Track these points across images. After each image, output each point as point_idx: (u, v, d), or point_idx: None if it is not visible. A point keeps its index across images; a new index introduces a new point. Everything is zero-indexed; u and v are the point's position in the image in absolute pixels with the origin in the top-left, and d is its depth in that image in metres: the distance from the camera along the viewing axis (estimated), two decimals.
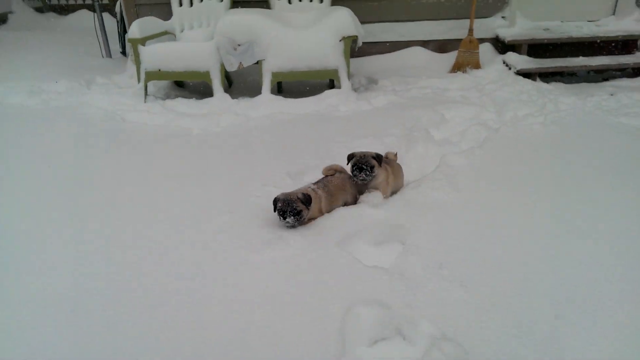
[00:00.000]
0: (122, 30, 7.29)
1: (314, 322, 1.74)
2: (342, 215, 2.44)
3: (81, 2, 11.15)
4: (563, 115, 4.11)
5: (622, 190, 2.72)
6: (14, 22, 9.64)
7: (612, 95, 4.75)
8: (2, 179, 3.04)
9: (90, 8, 10.82)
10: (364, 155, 2.56)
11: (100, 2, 7.09)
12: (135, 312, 1.83)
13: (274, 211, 2.30)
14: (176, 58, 4.63)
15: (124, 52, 7.45)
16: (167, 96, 5.09)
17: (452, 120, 3.97)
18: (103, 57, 7.17)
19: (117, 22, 7.37)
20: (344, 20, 4.58)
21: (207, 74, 4.65)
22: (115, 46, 7.48)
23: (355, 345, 1.65)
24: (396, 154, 2.95)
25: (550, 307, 1.79)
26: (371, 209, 2.48)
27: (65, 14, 10.78)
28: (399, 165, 2.91)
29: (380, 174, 2.62)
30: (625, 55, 5.45)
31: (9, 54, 7.03)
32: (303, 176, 2.91)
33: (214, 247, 2.22)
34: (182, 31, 5.32)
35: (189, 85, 5.62)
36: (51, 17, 10.61)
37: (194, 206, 2.62)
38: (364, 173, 2.55)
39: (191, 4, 5.30)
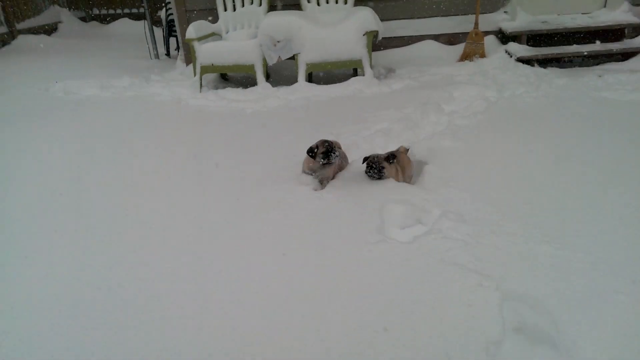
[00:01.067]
0: (167, 35, 8.28)
1: (359, 213, 2.58)
2: None
3: (120, 12, 12.24)
4: (554, 91, 4.89)
5: (597, 140, 3.49)
6: (64, 31, 10.73)
7: (600, 76, 5.48)
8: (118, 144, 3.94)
9: (129, 16, 11.94)
10: (377, 157, 2.97)
11: (148, 11, 8.02)
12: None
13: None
14: (226, 54, 5.54)
15: (168, 54, 8.44)
16: (217, 87, 5.99)
17: (460, 97, 4.77)
18: (151, 58, 8.15)
19: (163, 27, 8.37)
20: (366, 18, 5.43)
21: (252, 67, 5.56)
22: (160, 49, 8.45)
23: (390, 227, 2.49)
24: (408, 149, 3.29)
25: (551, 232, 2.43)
26: None
27: (107, 23, 11.87)
28: (408, 158, 3.19)
29: (390, 171, 2.99)
30: (614, 42, 6.17)
31: (69, 58, 8.04)
32: (340, 137, 3.74)
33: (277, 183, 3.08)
34: (227, 32, 6.24)
35: (232, 79, 6.54)
36: (94, 25, 11.72)
37: (263, 159, 3.49)
38: (374, 172, 2.94)
39: (234, 9, 6.22)
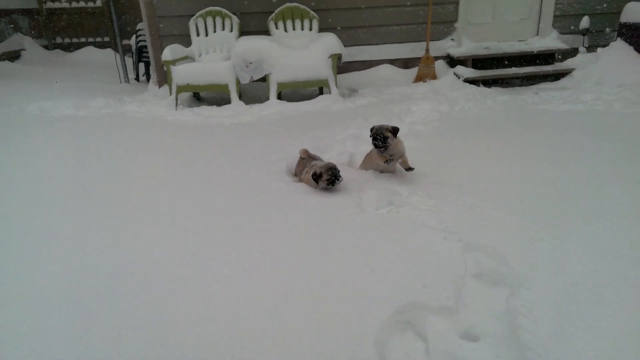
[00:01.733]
0: (137, 61, 8.56)
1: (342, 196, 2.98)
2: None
3: (84, 40, 12.39)
4: (498, 105, 5.58)
5: (536, 138, 4.10)
6: (27, 58, 10.75)
7: (536, 93, 6.27)
8: (90, 160, 4.17)
9: (94, 45, 12.11)
10: (380, 128, 3.15)
11: (119, 37, 8.30)
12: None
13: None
14: (202, 74, 5.91)
15: (137, 79, 8.70)
16: (191, 106, 6.31)
17: (417, 110, 5.34)
18: (121, 82, 8.37)
19: (133, 53, 8.65)
20: (331, 42, 5.99)
21: (226, 86, 5.95)
22: (130, 75, 8.70)
23: (368, 205, 2.90)
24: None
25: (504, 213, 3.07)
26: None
27: (71, 51, 11.95)
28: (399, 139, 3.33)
29: (398, 143, 3.18)
30: (547, 65, 7.05)
31: (36, 83, 8.12)
32: (316, 142, 4.16)
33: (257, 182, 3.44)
34: (200, 55, 6.63)
35: (205, 99, 6.88)
36: (58, 53, 11.78)
37: (237, 160, 3.84)
38: (379, 142, 3.12)
39: (206, 34, 6.64)
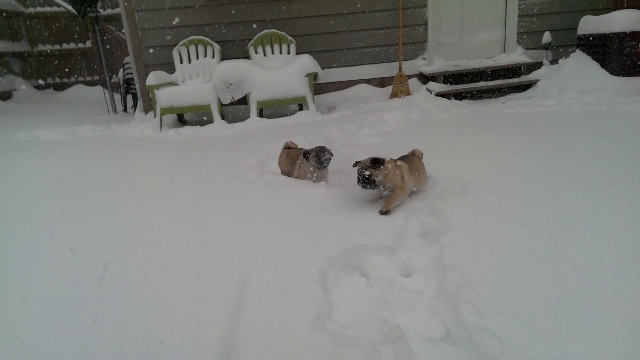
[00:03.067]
0: (125, 93, 8.91)
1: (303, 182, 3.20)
2: None
3: (74, 80, 12.82)
4: (466, 112, 5.89)
5: (502, 134, 4.37)
6: (19, 97, 11.11)
7: (503, 103, 6.61)
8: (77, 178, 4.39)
9: (84, 83, 12.53)
10: (361, 169, 2.67)
11: (107, 71, 8.67)
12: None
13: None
14: (184, 96, 6.22)
15: (125, 110, 9.01)
16: (175, 127, 6.58)
17: (389, 119, 5.62)
18: (109, 113, 8.67)
19: (120, 86, 9.00)
20: (307, 62, 6.36)
21: (208, 107, 6.24)
22: (118, 107, 9.03)
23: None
24: (422, 154, 3.19)
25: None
26: None
27: (61, 90, 12.35)
28: (421, 162, 3.07)
29: (392, 175, 2.69)
30: (513, 78, 7.45)
31: (29, 116, 8.39)
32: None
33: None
34: (183, 81, 6.96)
35: (189, 121, 7.16)
36: (49, 92, 12.16)
37: (216, 160, 4.06)
38: (363, 184, 2.66)
39: (189, 61, 7.00)
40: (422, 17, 7.65)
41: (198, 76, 7.00)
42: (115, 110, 8.78)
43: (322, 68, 6.92)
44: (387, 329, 1.74)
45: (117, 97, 9.64)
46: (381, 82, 7.77)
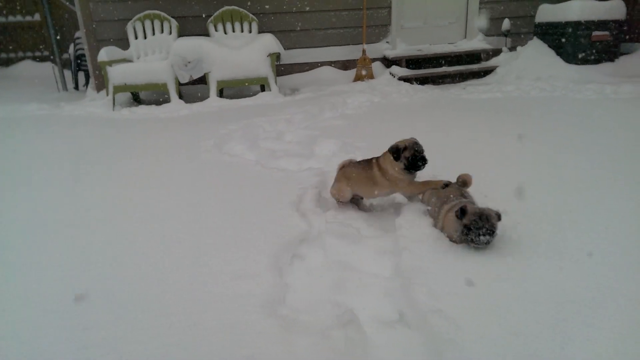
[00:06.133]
0: (76, 69, 8.43)
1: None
2: None
3: (22, 55, 12.02)
4: (428, 96, 5.92)
5: (460, 117, 4.41)
6: None
7: (464, 88, 6.68)
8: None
9: (32, 59, 11.78)
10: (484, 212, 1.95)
11: (57, 47, 8.15)
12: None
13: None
14: (139, 74, 5.93)
15: (77, 88, 8.54)
16: (130, 106, 6.28)
17: (351, 102, 5.58)
18: (59, 91, 8.19)
19: (71, 62, 8.50)
20: (270, 41, 6.18)
21: (164, 85, 5.98)
22: (69, 85, 8.54)
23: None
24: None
25: None
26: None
27: (7, 66, 11.56)
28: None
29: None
30: (474, 64, 7.54)
31: None
32: (257, 132, 4.24)
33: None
34: (138, 58, 6.63)
35: (145, 100, 6.86)
36: None
37: (181, 143, 3.90)
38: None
39: (145, 37, 6.67)
40: (386, 0, 7.58)
41: (154, 53, 6.68)
42: (65, 88, 8.29)
43: (285, 49, 6.76)
44: (340, 312, 1.70)
45: (68, 74, 9.11)
46: (345, 65, 7.68)
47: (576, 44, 6.66)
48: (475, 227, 1.89)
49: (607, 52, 6.77)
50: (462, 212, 1.96)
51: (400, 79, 7.11)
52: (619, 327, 1.48)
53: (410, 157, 2.33)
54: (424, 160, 2.34)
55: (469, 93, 6.08)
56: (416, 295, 1.69)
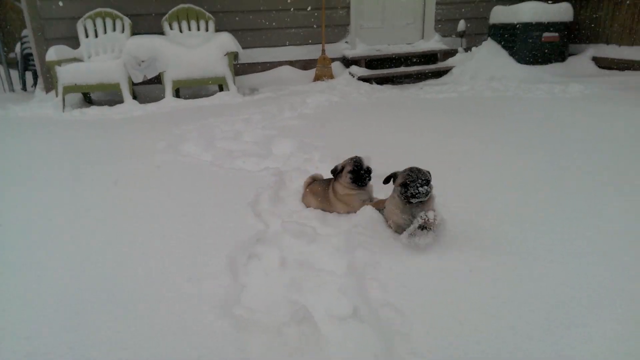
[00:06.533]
0: (23, 69, 8.03)
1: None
2: None
3: None
4: (386, 97, 6.00)
5: (418, 115, 4.50)
6: None
7: (421, 88, 6.81)
8: None
9: None
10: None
11: (2, 47, 7.74)
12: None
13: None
14: (90, 73, 5.70)
15: (24, 89, 8.13)
16: (81, 107, 6.03)
17: (311, 102, 5.57)
18: (6, 92, 7.78)
19: (18, 62, 8.09)
20: (227, 40, 6.09)
21: (117, 85, 5.78)
22: (16, 86, 8.12)
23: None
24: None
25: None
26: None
27: None
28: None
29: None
30: (431, 64, 7.72)
31: None
32: (214, 132, 4.15)
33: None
34: (89, 57, 6.38)
35: (96, 101, 6.61)
36: None
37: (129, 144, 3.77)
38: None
39: (96, 35, 6.42)
40: (345, 0, 7.63)
41: (106, 52, 6.45)
42: (12, 89, 7.87)
43: (243, 48, 6.68)
44: (295, 310, 1.69)
45: (15, 74, 8.66)
46: (305, 65, 7.68)
47: (527, 44, 6.93)
48: (410, 181, 1.96)
49: (556, 53, 7.08)
50: (393, 177, 2.10)
51: (360, 78, 7.17)
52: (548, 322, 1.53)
53: (352, 171, 2.36)
54: (368, 172, 2.38)
55: (426, 93, 6.21)
56: (369, 290, 1.69)
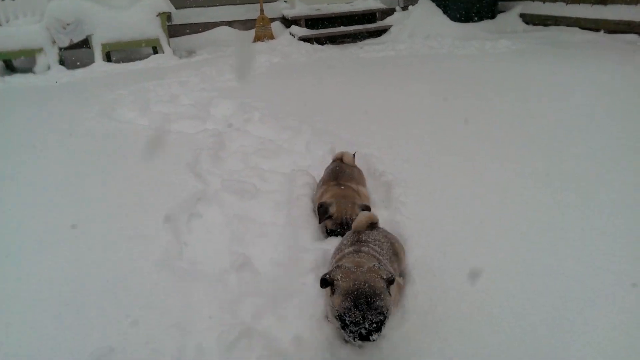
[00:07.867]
0: None
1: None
2: None
3: None
4: (326, 56, 6.02)
5: (357, 75, 4.58)
6: None
7: (361, 48, 6.88)
8: None
9: None
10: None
11: None
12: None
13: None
14: (9, 39, 5.30)
15: None
16: (3, 75, 5.62)
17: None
18: None
19: None
20: (158, 0, 5.81)
21: (40, 50, 5.41)
22: None
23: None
24: (354, 155, 2.43)
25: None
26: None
27: None
28: (359, 170, 2.38)
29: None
30: (370, 24, 7.77)
31: None
32: (149, 96, 4.02)
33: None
34: (7, 22, 5.88)
35: (19, 68, 6.16)
36: None
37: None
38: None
39: None
40: None
41: (25, 15, 5.96)
42: None
43: (177, 8, 6.39)
44: (235, 258, 1.78)
45: None
46: (244, 25, 7.49)
47: (460, 2, 7.11)
48: (350, 322, 1.29)
49: (487, 10, 7.33)
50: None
51: (301, 39, 7.11)
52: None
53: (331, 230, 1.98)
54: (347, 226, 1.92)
55: (366, 52, 6.29)
56: (303, 239, 1.81)
